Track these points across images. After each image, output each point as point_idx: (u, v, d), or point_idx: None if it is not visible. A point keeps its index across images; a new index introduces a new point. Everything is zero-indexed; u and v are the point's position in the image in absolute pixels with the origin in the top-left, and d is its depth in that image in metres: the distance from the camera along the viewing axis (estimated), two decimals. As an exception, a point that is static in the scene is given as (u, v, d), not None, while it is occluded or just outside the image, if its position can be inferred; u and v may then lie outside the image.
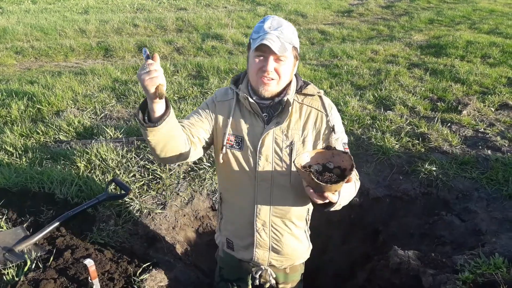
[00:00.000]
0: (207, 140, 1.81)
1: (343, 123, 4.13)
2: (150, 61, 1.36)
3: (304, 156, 1.60)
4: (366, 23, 10.31)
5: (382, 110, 4.68)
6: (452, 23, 9.88)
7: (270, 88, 1.68)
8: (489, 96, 5.05)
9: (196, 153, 1.76)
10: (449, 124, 4.32)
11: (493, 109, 4.75)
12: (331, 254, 3.57)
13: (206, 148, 1.83)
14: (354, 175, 1.67)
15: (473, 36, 7.98)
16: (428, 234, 3.18)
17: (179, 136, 1.58)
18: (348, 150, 1.78)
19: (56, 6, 12.28)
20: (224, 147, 1.79)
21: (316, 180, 1.43)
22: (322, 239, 3.52)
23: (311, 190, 1.49)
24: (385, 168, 3.70)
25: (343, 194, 1.56)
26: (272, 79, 1.65)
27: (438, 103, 4.89)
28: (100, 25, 9.51)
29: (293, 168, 1.74)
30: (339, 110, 4.46)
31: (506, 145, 3.87)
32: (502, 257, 2.51)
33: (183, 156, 1.65)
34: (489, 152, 3.75)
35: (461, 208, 3.24)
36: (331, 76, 6.01)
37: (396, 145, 3.89)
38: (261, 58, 1.63)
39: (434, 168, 3.53)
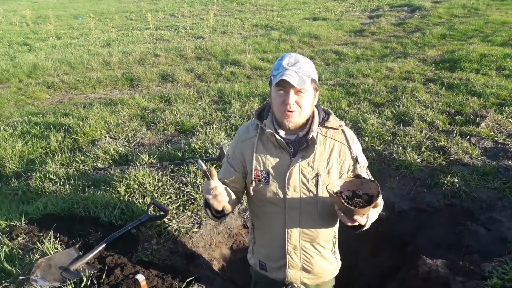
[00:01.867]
0: (245, 182, 2.06)
1: (364, 141, 4.34)
2: (213, 183, 1.64)
3: (336, 183, 1.82)
4: (379, 42, 10.55)
5: (401, 126, 4.83)
6: (465, 37, 10.01)
7: (294, 119, 1.81)
8: (507, 107, 5.16)
9: (243, 194, 2.13)
10: (468, 136, 4.44)
11: (511, 120, 4.84)
12: (361, 267, 3.68)
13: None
14: (380, 198, 1.88)
15: (486, 49, 8.09)
16: (455, 244, 3.27)
17: (236, 205, 2.08)
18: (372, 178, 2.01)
19: (80, 40, 12.94)
20: (253, 182, 1.97)
21: (346, 205, 1.65)
22: (352, 253, 3.64)
23: (342, 214, 1.72)
24: (408, 182, 3.83)
25: (370, 216, 1.80)
26: (294, 110, 1.79)
27: (456, 117, 5.01)
28: (123, 57, 10.01)
29: (320, 197, 1.92)
30: (359, 128, 4.69)
31: (527, 154, 3.97)
32: (529, 262, 2.61)
33: None
34: (510, 162, 3.85)
35: (486, 218, 3.34)
36: (348, 95, 6.20)
37: (418, 159, 4.02)
38: (282, 92, 1.77)
39: (456, 180, 3.64)
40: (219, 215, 1.90)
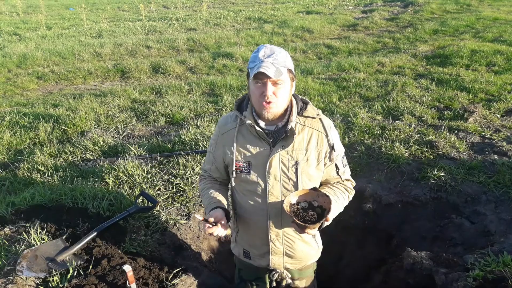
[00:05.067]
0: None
1: (353, 135, 4.37)
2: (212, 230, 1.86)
3: (292, 196, 1.92)
4: (372, 36, 10.56)
5: (390, 120, 4.87)
6: (456, 33, 10.07)
7: (272, 111, 1.84)
8: (495, 103, 5.21)
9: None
10: (456, 131, 4.48)
11: (498, 116, 4.90)
12: (347, 259, 3.73)
13: None
14: (351, 188, 2.10)
15: (477, 45, 8.15)
16: (439, 236, 3.33)
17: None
18: (345, 167, 2.11)
19: (71, 31, 12.80)
20: (234, 172, 2.00)
21: (298, 221, 1.80)
22: (338, 245, 3.69)
23: (296, 225, 1.84)
24: (396, 176, 3.87)
25: (333, 210, 1.88)
26: (272, 102, 1.82)
27: (445, 112, 5.06)
28: (115, 48, 9.92)
29: (300, 184, 1.97)
30: (349, 122, 4.72)
31: (512, 149, 4.03)
32: (511, 255, 2.66)
33: None
34: (496, 157, 3.91)
35: (470, 211, 3.39)
36: (339, 89, 6.22)
37: (406, 153, 4.06)
38: (259, 84, 1.79)
39: (443, 174, 3.69)
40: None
